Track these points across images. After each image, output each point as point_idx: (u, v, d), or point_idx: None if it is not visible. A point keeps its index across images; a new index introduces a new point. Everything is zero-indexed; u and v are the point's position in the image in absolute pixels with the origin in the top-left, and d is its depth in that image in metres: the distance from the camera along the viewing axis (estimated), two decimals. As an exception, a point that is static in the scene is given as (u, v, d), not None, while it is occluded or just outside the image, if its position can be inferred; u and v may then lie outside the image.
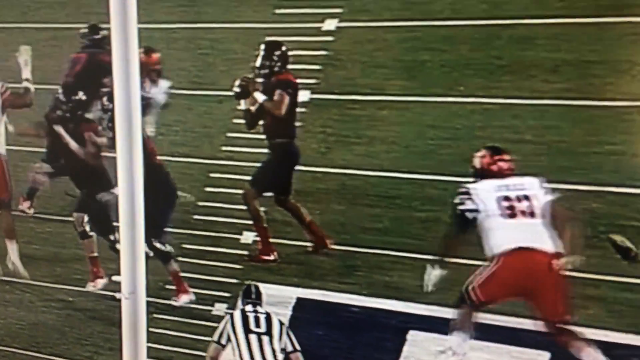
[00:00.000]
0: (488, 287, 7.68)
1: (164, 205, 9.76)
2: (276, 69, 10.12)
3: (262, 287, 8.69)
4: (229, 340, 7.96)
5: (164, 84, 11.11)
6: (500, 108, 11.16)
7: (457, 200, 7.91)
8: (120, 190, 3.73)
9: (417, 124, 11.35)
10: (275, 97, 9.93)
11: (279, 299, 9.35)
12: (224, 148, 11.34)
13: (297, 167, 10.29)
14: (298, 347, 8.07)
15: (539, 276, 7.56)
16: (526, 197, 7.75)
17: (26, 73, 10.82)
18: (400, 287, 9.26)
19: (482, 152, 8.14)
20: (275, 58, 10.15)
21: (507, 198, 7.73)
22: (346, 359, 8.88)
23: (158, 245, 9.80)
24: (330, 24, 12.62)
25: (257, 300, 8.31)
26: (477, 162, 8.10)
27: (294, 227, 10.36)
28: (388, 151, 10.86)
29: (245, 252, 10.28)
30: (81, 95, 10.44)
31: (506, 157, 8.07)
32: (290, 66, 10.25)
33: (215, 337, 8.06)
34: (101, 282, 10.38)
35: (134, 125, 3.72)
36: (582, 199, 9.30)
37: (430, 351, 8.47)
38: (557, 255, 7.55)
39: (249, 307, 8.20)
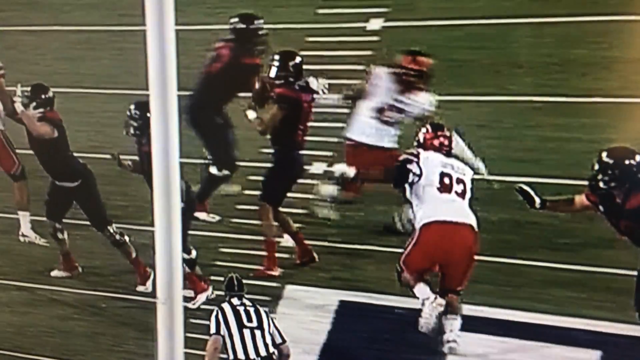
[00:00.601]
0: (412, 257, 8.56)
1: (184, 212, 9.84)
2: (291, 79, 10.15)
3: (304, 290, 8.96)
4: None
5: (426, 97, 10.26)
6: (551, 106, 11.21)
7: (405, 157, 8.72)
8: (156, 196, 3.76)
9: (467, 124, 11.37)
10: (267, 113, 10.02)
11: (321, 301, 9.62)
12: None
13: (299, 179, 10.31)
14: (286, 338, 8.30)
15: (460, 248, 8.52)
16: (463, 182, 8.67)
17: None
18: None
19: (426, 128, 8.95)
20: (290, 69, 10.18)
21: (448, 176, 8.63)
22: None
23: (184, 255, 9.90)
24: (375, 24, 12.65)
25: (240, 291, 8.40)
26: (420, 136, 8.89)
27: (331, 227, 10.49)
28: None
29: (286, 256, 10.34)
30: None
31: (447, 133, 8.88)
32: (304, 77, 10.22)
33: (213, 330, 8.17)
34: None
35: (170, 134, 3.74)
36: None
37: (474, 351, 8.79)
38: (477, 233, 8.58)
39: (235, 301, 8.32)
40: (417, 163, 8.63)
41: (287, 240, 10.38)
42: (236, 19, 10.88)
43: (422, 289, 8.58)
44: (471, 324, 8.77)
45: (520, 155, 10.95)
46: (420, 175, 8.60)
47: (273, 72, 10.13)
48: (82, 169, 10.59)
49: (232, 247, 10.62)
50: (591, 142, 10.23)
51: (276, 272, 10.18)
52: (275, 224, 10.18)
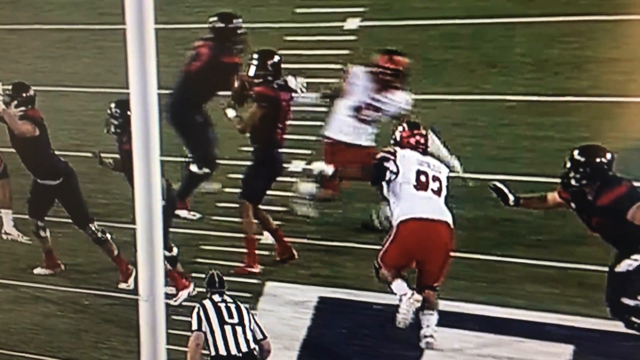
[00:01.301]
0: (390, 254, 8.67)
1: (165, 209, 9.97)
2: (270, 78, 10.21)
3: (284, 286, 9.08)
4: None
5: (402, 96, 10.33)
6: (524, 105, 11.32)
7: (382, 155, 8.83)
8: (137, 194, 3.81)
9: (442, 122, 11.49)
10: (247, 112, 10.10)
11: (301, 297, 9.68)
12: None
13: (278, 177, 10.41)
14: (266, 334, 8.42)
15: (436, 244, 8.64)
16: (439, 179, 8.81)
17: None
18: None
19: (402, 126, 9.09)
20: (269, 68, 10.26)
21: (425, 173, 8.76)
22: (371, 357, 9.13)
23: (165, 252, 10.03)
24: (352, 23, 12.70)
25: (221, 288, 8.51)
26: (397, 135, 9.02)
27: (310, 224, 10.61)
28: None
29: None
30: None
31: (423, 132, 9.01)
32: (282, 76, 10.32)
33: (195, 326, 8.25)
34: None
35: (151, 133, 3.79)
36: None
37: (451, 346, 8.87)
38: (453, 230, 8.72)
39: (217, 297, 8.42)
40: (394, 161, 8.75)
41: (267, 238, 10.45)
42: (215, 18, 10.97)
43: (399, 285, 8.67)
44: (447, 319, 8.87)
45: (495, 153, 11.06)
46: (397, 173, 8.72)
47: (252, 71, 10.22)
48: (64, 167, 10.65)
49: (213, 244, 10.70)
50: (564, 140, 10.38)
51: (257, 269, 10.26)
52: (255, 221, 10.27)
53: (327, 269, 10.15)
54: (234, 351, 8.10)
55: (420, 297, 8.67)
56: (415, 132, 8.97)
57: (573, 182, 8.17)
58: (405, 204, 8.70)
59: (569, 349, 8.64)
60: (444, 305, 8.85)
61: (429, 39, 12.73)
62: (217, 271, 8.62)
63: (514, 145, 11.08)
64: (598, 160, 8.16)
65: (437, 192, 8.75)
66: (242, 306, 8.41)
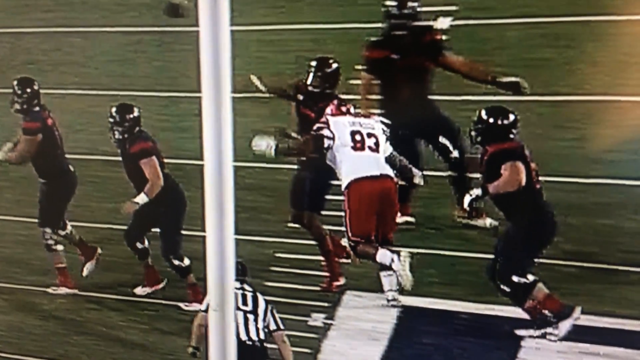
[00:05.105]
0: (354, 223, 9.70)
1: (176, 217, 10.59)
2: (327, 90, 10.40)
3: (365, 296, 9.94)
4: None
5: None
6: (631, 105, 11.35)
7: (317, 126, 9.88)
8: (208, 201, 3.92)
9: (541, 125, 11.57)
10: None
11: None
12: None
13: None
14: (282, 326, 8.99)
15: (387, 198, 9.72)
16: (374, 135, 9.87)
17: None
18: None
19: (330, 107, 10.03)
20: (326, 77, 10.43)
21: (358, 133, 9.83)
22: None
23: (176, 262, 10.63)
24: (443, 22, 12.75)
25: (242, 276, 8.93)
26: (328, 111, 10.00)
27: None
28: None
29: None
30: None
31: (349, 105, 10.11)
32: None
33: (204, 307, 8.78)
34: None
35: (223, 134, 3.88)
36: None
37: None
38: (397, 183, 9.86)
39: (236, 284, 8.75)
40: (328, 128, 9.82)
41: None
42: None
43: (383, 253, 9.58)
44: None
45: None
46: (333, 138, 9.78)
47: (310, 79, 10.50)
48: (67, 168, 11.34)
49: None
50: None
51: (342, 281, 10.56)
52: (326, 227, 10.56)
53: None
54: (243, 337, 8.65)
55: (407, 253, 9.58)
56: (342, 106, 10.04)
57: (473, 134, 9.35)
58: (348, 166, 9.75)
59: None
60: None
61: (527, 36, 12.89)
62: (242, 260, 8.92)
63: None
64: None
65: (375, 149, 9.81)
66: (260, 297, 8.99)
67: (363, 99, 10.90)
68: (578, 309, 9.23)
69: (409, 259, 9.55)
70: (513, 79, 10.45)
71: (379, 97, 11.04)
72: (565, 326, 9.23)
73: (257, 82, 10.79)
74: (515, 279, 9.16)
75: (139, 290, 11.14)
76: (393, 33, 10.83)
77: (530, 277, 9.19)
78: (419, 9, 10.81)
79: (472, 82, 10.79)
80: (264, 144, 9.95)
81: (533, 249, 9.28)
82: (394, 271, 9.58)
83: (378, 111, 10.67)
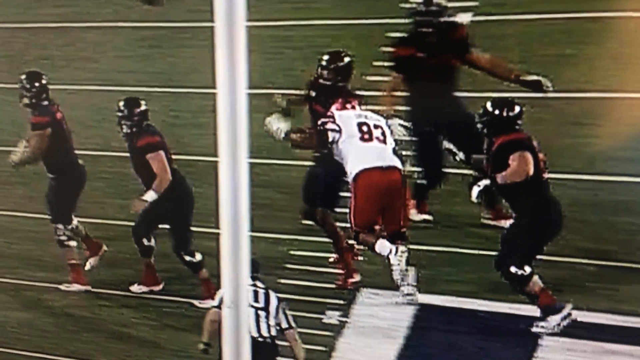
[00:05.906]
0: (359, 212, 9.83)
1: (184, 212, 10.66)
2: (339, 83, 10.47)
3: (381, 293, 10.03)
4: None
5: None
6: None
7: (322, 121, 10.05)
8: (223, 198, 3.94)
9: (558, 122, 11.58)
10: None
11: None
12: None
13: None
14: (293, 324, 9.02)
15: (395, 189, 9.83)
16: (380, 127, 10.05)
17: None
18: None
19: (336, 104, 10.19)
20: (338, 70, 10.50)
21: (365, 124, 9.98)
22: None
23: (187, 258, 10.68)
24: (463, 18, 12.75)
25: (254, 273, 8.90)
26: (333, 108, 10.14)
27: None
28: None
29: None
30: None
31: (354, 102, 10.24)
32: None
33: (216, 303, 8.79)
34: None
35: (238, 130, 3.90)
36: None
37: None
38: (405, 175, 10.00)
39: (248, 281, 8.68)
40: (334, 122, 9.96)
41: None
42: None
43: (382, 244, 9.74)
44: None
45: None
46: (339, 131, 9.92)
47: (319, 73, 10.64)
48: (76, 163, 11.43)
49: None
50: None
51: (357, 278, 10.57)
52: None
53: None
54: (254, 333, 8.67)
55: (404, 248, 9.70)
56: (347, 104, 10.16)
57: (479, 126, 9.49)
58: (355, 157, 9.87)
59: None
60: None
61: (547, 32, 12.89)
62: (255, 257, 8.96)
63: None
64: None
65: (383, 140, 9.96)
66: (272, 294, 9.01)
67: (388, 96, 10.89)
68: (569, 306, 9.30)
69: (406, 254, 9.69)
70: (536, 77, 10.47)
71: (404, 94, 11.03)
72: (554, 320, 9.31)
73: (281, 102, 10.82)
74: (512, 269, 9.25)
75: (134, 288, 11.19)
76: (419, 30, 10.82)
77: (527, 269, 9.25)
78: (444, 4, 10.79)
79: (495, 79, 10.77)
80: (275, 126, 10.27)
81: (536, 241, 9.36)
82: (391, 263, 9.71)
83: (400, 109, 10.77)
